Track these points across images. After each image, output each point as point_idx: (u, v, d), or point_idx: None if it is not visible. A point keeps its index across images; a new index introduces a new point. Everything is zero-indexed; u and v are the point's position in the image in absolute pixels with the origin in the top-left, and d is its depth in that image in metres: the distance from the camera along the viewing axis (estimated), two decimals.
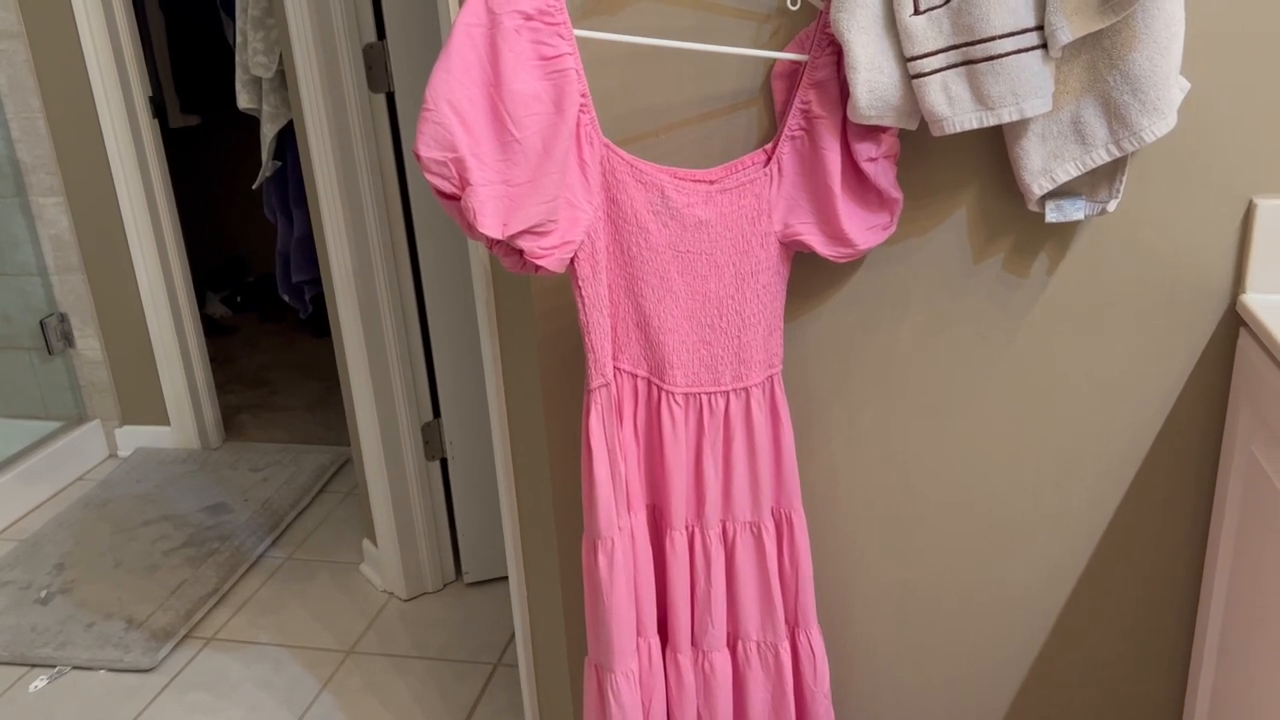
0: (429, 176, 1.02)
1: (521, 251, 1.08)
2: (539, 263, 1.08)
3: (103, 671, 2.16)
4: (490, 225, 1.03)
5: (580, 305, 1.15)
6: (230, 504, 2.78)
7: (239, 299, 4.32)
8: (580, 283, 1.14)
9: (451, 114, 1.00)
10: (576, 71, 1.06)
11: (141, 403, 3.13)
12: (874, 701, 1.45)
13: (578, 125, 1.08)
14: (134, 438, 3.16)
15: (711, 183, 1.16)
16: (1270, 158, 1.12)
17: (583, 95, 1.07)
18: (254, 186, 2.47)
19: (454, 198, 1.04)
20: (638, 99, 1.21)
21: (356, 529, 2.65)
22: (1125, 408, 1.24)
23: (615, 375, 1.20)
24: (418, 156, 1.02)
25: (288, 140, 2.36)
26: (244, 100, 2.33)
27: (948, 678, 1.42)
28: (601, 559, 1.21)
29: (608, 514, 1.20)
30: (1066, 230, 1.19)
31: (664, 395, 1.21)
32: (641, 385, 1.21)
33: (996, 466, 1.30)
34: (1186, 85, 1.08)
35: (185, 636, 2.26)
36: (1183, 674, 1.34)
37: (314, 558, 2.55)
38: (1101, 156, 1.07)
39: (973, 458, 1.30)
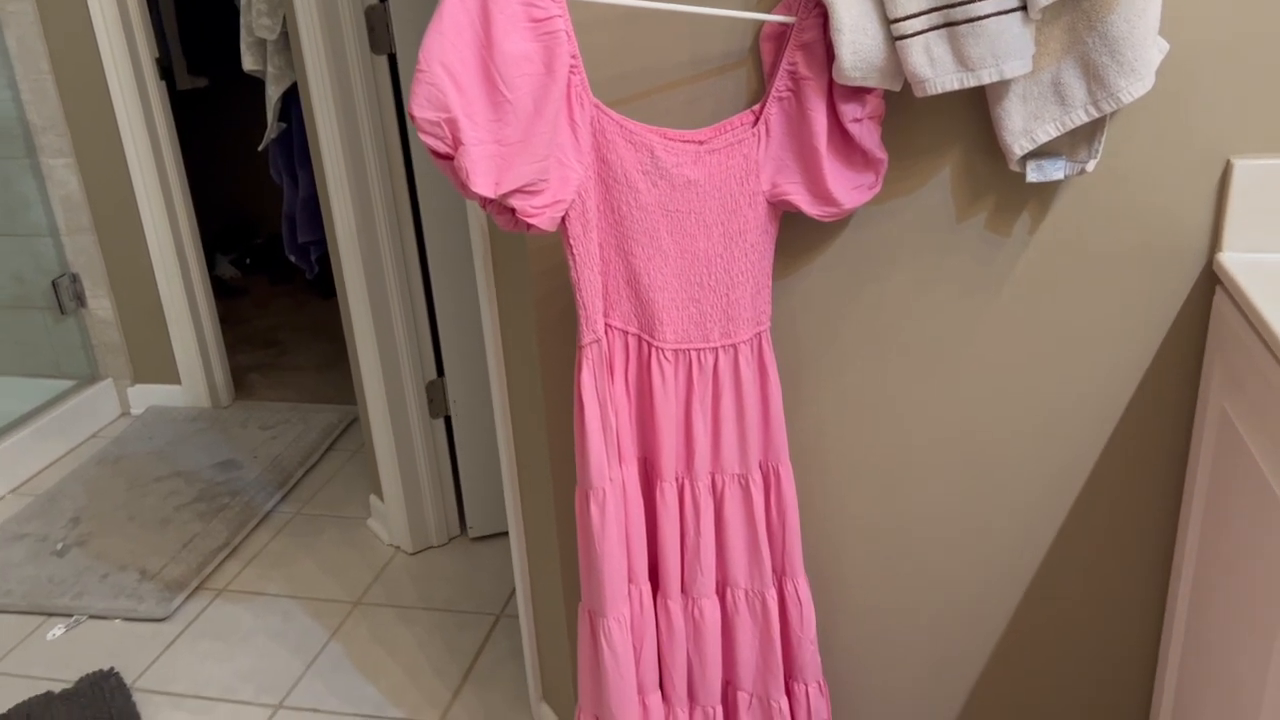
0: (423, 136, 1.06)
1: (514, 210, 1.11)
2: (531, 221, 1.11)
3: (118, 621, 2.23)
4: (482, 184, 1.06)
5: (571, 263, 1.18)
6: (240, 461, 2.84)
7: (248, 260, 4.36)
8: (571, 241, 1.17)
9: (445, 75, 1.03)
10: (567, 33, 1.08)
11: (153, 362, 3.18)
12: (860, 648, 1.49)
13: (568, 86, 1.11)
14: (146, 396, 3.22)
15: (700, 143, 1.19)
16: (1247, 118, 1.14)
17: (573, 56, 1.10)
18: (260, 148, 2.50)
19: (448, 157, 1.07)
20: (629, 61, 1.23)
21: (364, 485, 2.71)
22: (1105, 363, 1.27)
23: (606, 332, 1.24)
24: (412, 117, 1.05)
25: (292, 102, 2.38)
26: (249, 62, 2.35)
27: (932, 625, 1.46)
28: (593, 508, 1.25)
29: (599, 465, 1.24)
30: (1048, 190, 1.21)
31: (654, 351, 1.24)
32: (632, 341, 1.25)
33: (979, 421, 1.33)
34: (1165, 46, 1.10)
35: (197, 588, 2.32)
36: (1159, 614, 1.38)
37: (322, 513, 2.61)
38: (1080, 117, 1.10)
39: (957, 412, 1.34)
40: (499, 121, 1.06)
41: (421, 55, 1.03)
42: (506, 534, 2.44)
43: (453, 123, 1.04)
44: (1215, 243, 1.19)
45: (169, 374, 3.18)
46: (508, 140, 1.07)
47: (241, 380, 3.38)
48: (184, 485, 2.73)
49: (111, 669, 2.05)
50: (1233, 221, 1.16)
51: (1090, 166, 1.14)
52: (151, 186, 2.93)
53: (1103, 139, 1.13)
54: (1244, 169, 1.14)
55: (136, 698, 1.99)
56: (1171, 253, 1.21)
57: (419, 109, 1.04)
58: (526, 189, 1.09)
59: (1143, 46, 1.05)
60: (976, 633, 1.45)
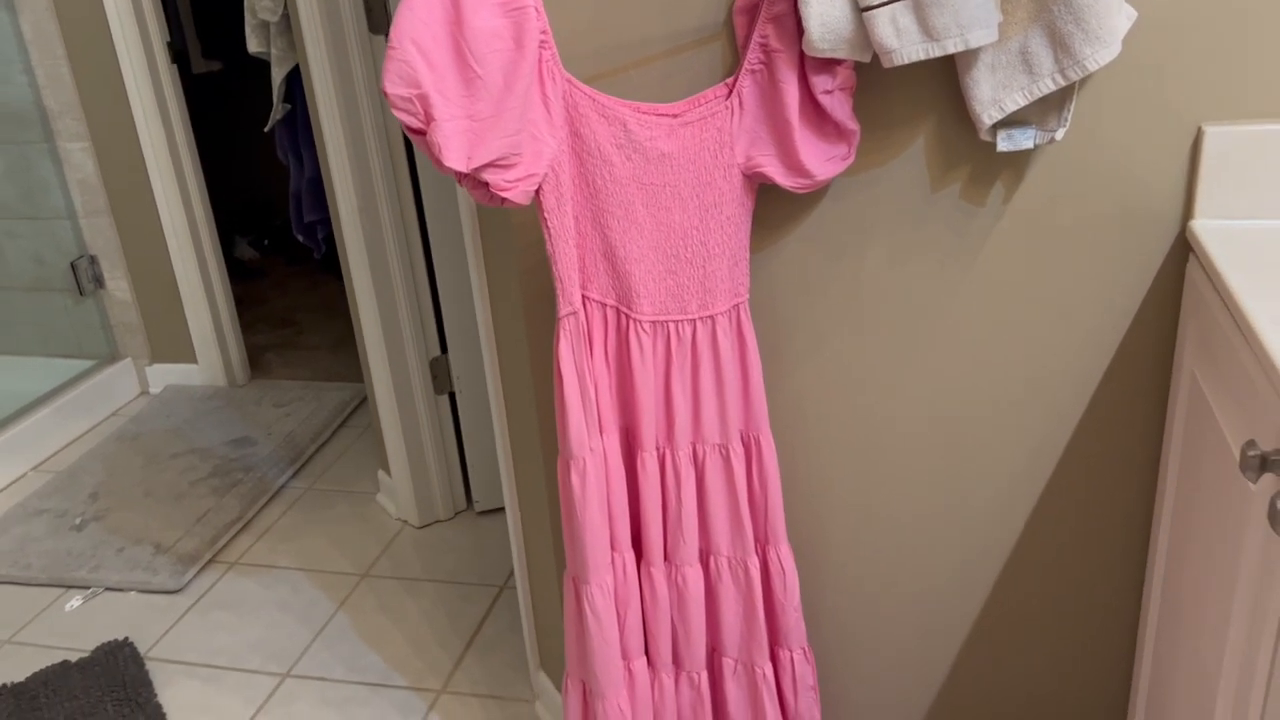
0: (396, 113, 1.08)
1: (487, 184, 1.13)
2: (504, 195, 1.14)
3: (133, 593, 2.29)
4: (455, 159, 1.09)
5: (546, 236, 1.20)
6: (254, 438, 2.89)
7: (266, 242, 4.41)
8: (546, 214, 1.19)
9: (415, 52, 1.05)
10: (536, 9, 1.10)
11: (170, 342, 3.24)
12: (845, 615, 1.51)
13: (539, 61, 1.12)
14: (164, 375, 3.28)
15: (674, 116, 1.20)
16: (1218, 85, 1.14)
17: (543, 32, 1.12)
18: (266, 129, 2.53)
19: (421, 132, 1.09)
20: (604, 37, 1.25)
21: (373, 461, 2.75)
22: (1081, 331, 1.28)
23: (585, 304, 1.26)
24: (384, 93, 1.07)
25: (296, 83, 2.41)
26: (253, 45, 2.39)
27: (916, 591, 1.48)
28: (574, 477, 1.28)
29: (579, 435, 1.27)
30: (1021, 159, 1.22)
31: (632, 323, 1.26)
32: (610, 314, 1.27)
33: (958, 389, 1.35)
34: (1134, 14, 1.10)
35: (210, 561, 2.37)
36: (1138, 579, 1.39)
37: (333, 488, 2.66)
38: (1048, 86, 1.10)
39: (935, 381, 1.35)
40: (470, 97, 1.09)
41: (393, 32, 1.05)
42: None
43: (424, 98, 1.06)
44: (1188, 210, 1.19)
45: (186, 353, 3.24)
46: (479, 115, 1.09)
47: (258, 359, 3.44)
48: (199, 462, 2.78)
49: (126, 639, 2.10)
50: (1205, 188, 1.16)
51: (1060, 135, 1.15)
52: (165, 169, 2.98)
53: (1072, 108, 1.13)
54: (1215, 135, 1.14)
55: (149, 666, 2.05)
56: (1145, 220, 1.21)
57: (391, 85, 1.06)
58: (499, 163, 1.12)
59: (1108, 14, 1.05)
60: (960, 599, 1.47)
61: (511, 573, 2.25)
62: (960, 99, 1.20)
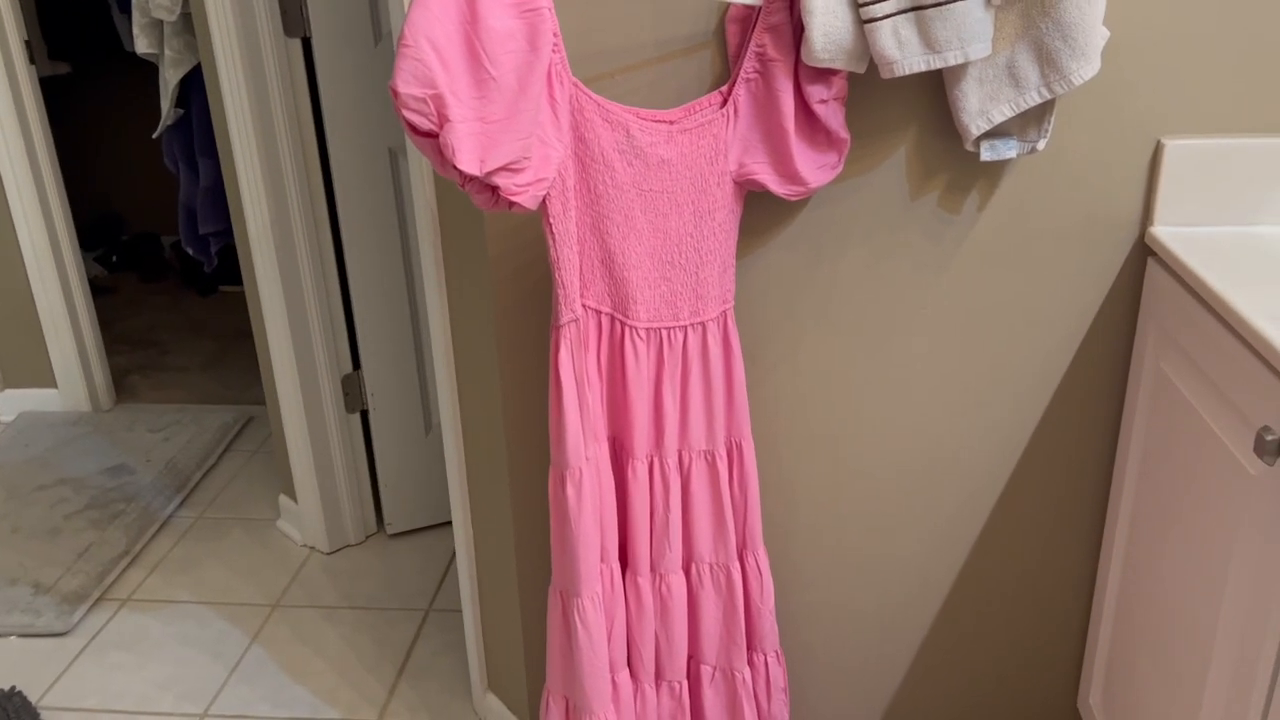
0: (406, 113, 1.04)
1: (496, 189, 1.10)
2: (514, 199, 1.11)
3: (13, 638, 2.09)
4: (468, 162, 1.05)
5: (551, 242, 1.18)
6: (131, 465, 2.70)
7: (114, 258, 4.14)
8: (551, 219, 1.17)
9: (431, 51, 1.02)
10: (549, 10, 1.08)
11: (25, 365, 2.99)
12: (812, 618, 1.54)
13: (549, 64, 1.10)
14: (17, 402, 3.02)
15: (672, 123, 1.20)
16: (1176, 101, 1.23)
17: (555, 34, 1.10)
18: (154, 135, 2.38)
19: (430, 135, 1.06)
20: (595, 41, 1.24)
21: (268, 486, 2.61)
22: (1045, 332, 1.35)
23: (581, 311, 1.24)
24: (394, 93, 1.03)
25: (190, 87, 2.28)
26: (143, 45, 2.24)
27: (880, 588, 1.52)
28: (570, 489, 1.26)
29: (576, 446, 1.24)
30: (995, 169, 1.28)
31: (627, 330, 1.25)
32: (605, 321, 1.26)
33: (927, 392, 1.40)
34: (1106, 33, 1.17)
35: (99, 599, 2.20)
36: (1093, 566, 1.47)
37: (226, 515, 2.51)
38: (1033, 98, 1.16)
39: (905, 385, 1.39)
40: (483, 99, 1.06)
41: (406, 30, 1.02)
42: (426, 529, 2.40)
43: (439, 99, 1.03)
44: (1147, 217, 1.28)
45: (43, 377, 3.00)
46: (491, 118, 1.06)
47: (121, 382, 3.21)
48: (71, 493, 2.57)
49: (14, 688, 1.92)
50: (1163, 197, 1.25)
51: (1041, 146, 1.21)
52: (23, 179, 2.75)
53: (1051, 120, 1.20)
54: (1174, 149, 1.23)
55: (45, 716, 1.88)
56: (1107, 227, 1.29)
57: (404, 85, 1.02)
58: (510, 167, 1.09)
59: (1092, 32, 1.12)
60: (923, 594, 1.52)
61: (436, 595, 2.18)
62: (940, 110, 1.25)
